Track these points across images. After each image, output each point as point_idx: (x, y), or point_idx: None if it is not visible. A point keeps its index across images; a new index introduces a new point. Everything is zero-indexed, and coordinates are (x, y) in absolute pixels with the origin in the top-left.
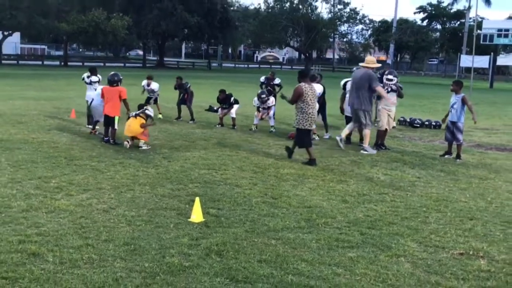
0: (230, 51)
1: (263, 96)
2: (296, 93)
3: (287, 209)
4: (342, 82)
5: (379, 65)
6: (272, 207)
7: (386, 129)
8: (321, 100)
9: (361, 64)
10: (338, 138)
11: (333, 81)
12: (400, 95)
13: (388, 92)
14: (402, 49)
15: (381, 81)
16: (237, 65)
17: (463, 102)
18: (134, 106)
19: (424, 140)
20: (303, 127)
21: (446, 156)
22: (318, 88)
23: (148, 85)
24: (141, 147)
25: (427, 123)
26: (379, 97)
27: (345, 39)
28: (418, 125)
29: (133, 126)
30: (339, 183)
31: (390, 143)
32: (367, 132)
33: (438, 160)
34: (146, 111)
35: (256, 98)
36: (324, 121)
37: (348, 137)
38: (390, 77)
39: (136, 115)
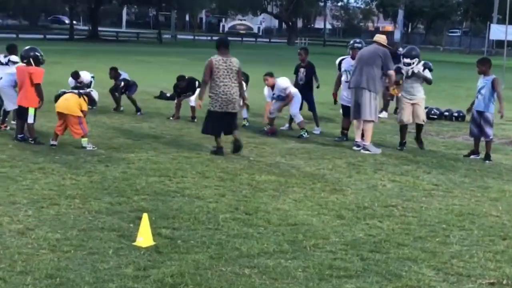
0: (187, 18)
1: None
2: (205, 68)
3: (265, 228)
4: (338, 60)
5: (394, 45)
6: (245, 225)
7: (406, 124)
8: (306, 85)
9: (374, 39)
10: (356, 148)
11: (324, 58)
12: (427, 81)
13: (408, 78)
14: (415, 16)
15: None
16: (197, 37)
17: (493, 86)
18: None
19: (443, 135)
20: (212, 108)
21: (472, 157)
22: (282, 83)
23: (76, 79)
24: (84, 147)
25: (446, 113)
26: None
27: (339, 3)
28: (436, 116)
29: (71, 101)
30: (332, 193)
31: (397, 139)
32: (368, 124)
33: (462, 162)
34: (92, 93)
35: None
36: (313, 111)
37: (345, 132)
38: (407, 60)
39: (79, 94)
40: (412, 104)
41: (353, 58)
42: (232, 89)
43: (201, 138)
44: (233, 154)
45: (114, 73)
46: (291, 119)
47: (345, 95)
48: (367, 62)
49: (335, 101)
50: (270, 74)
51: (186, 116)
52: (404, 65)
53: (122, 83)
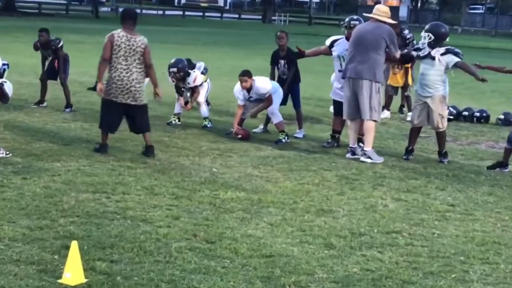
0: None
1: (173, 69)
2: (104, 43)
3: (232, 261)
4: (329, 41)
5: (395, 22)
6: (206, 257)
7: (419, 127)
8: (289, 77)
9: (371, 15)
10: (350, 156)
11: (310, 40)
12: (456, 65)
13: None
14: None
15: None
16: (144, 11)
17: None
18: None
19: (461, 141)
20: (105, 96)
21: (498, 170)
22: (263, 86)
23: None
24: None
25: (466, 113)
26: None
27: None
28: (452, 117)
29: None
30: (319, 215)
31: (402, 145)
32: (370, 125)
33: (485, 176)
34: (4, 86)
35: (169, 77)
36: (297, 110)
37: (337, 136)
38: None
39: None
40: (426, 104)
41: (348, 39)
42: (131, 75)
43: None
44: (185, 165)
45: (45, 36)
46: (267, 119)
47: (337, 87)
48: (368, 44)
49: (300, 52)
50: (249, 74)
51: None
52: (422, 38)
53: (60, 46)
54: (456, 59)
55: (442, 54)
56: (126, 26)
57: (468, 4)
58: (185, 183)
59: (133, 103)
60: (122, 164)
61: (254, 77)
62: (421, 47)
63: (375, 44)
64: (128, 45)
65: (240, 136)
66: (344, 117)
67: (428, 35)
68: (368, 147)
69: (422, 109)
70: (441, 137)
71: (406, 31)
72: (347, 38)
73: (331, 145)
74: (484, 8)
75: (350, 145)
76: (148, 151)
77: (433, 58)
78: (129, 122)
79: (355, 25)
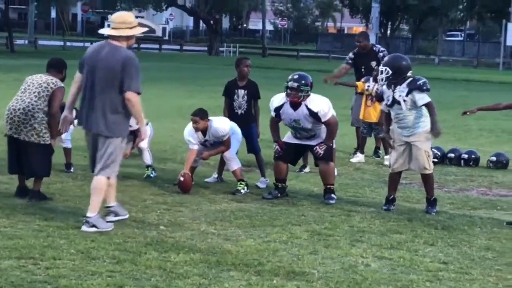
0: (53, 15)
1: None
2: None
3: None
4: (273, 106)
5: (144, 29)
6: None
7: (399, 172)
8: (247, 114)
9: (106, 31)
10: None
11: (265, 74)
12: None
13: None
14: (395, 12)
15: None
16: (69, 44)
17: None
18: None
19: (448, 188)
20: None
21: None
22: (221, 127)
23: None
24: None
25: (451, 155)
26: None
27: None
28: (436, 160)
29: None
30: (290, 279)
31: (381, 193)
32: (100, 183)
33: (480, 228)
34: None
35: None
36: (256, 154)
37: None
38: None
39: None
40: (407, 144)
41: (292, 104)
42: (21, 104)
43: (84, 196)
44: (127, 223)
45: None
46: (221, 166)
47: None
48: (101, 78)
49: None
50: (202, 114)
51: (58, 166)
52: (380, 74)
53: None
54: (425, 100)
55: (406, 95)
56: (51, 71)
57: (445, 31)
58: (127, 244)
59: (18, 137)
60: (51, 223)
61: (211, 117)
62: (380, 84)
63: (108, 77)
64: (30, 81)
65: (182, 180)
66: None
67: (386, 70)
68: (93, 212)
69: (403, 150)
70: (429, 181)
71: (378, 46)
72: (291, 102)
73: (273, 195)
74: (463, 35)
75: None
76: (33, 196)
77: (399, 103)
78: (22, 161)
79: (293, 87)
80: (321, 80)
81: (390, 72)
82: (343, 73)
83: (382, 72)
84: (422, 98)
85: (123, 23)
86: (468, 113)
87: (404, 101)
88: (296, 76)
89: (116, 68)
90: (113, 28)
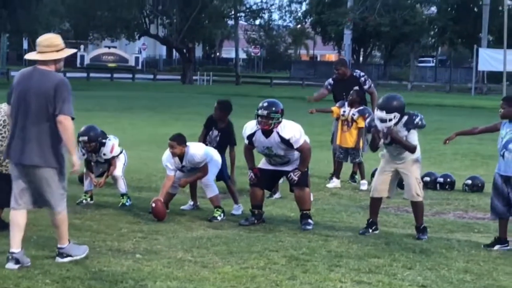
0: (26, 45)
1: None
2: None
3: None
4: (246, 138)
5: (72, 51)
6: None
7: (379, 198)
8: (217, 147)
9: (32, 56)
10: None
11: (239, 101)
12: (407, 149)
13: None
14: (368, 39)
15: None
16: None
17: None
18: None
19: (425, 212)
20: None
21: (498, 247)
22: (197, 154)
23: None
24: None
25: (427, 179)
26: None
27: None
28: None
29: None
30: None
31: (358, 218)
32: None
33: (457, 251)
34: None
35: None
36: (226, 182)
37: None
38: (381, 114)
39: None
40: (396, 171)
41: (263, 131)
42: None
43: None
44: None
45: None
46: (192, 190)
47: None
48: (32, 104)
49: (255, 175)
50: (179, 140)
51: None
52: (379, 121)
53: None
54: (413, 143)
55: (408, 131)
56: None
57: (416, 57)
58: (103, 273)
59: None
60: (25, 253)
61: (188, 143)
62: (386, 132)
63: (41, 104)
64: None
65: (154, 206)
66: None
67: (395, 116)
68: (64, 242)
69: (389, 178)
70: (419, 208)
71: (358, 71)
72: (262, 130)
73: (250, 222)
74: (435, 61)
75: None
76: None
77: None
78: None
79: (263, 115)
80: (295, 107)
81: (399, 115)
82: (323, 96)
83: (390, 120)
84: (414, 137)
85: (49, 46)
86: (448, 141)
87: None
88: (265, 104)
89: (49, 94)
90: (39, 52)
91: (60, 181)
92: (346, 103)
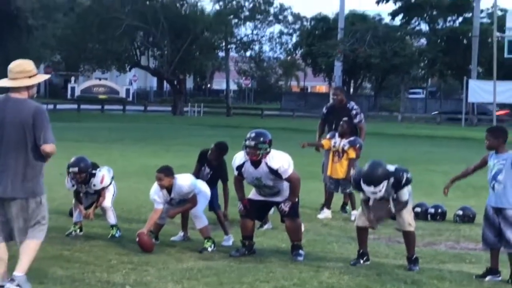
0: None
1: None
2: None
3: None
4: (235, 163)
5: (45, 77)
6: None
7: (364, 228)
8: (211, 176)
9: (4, 82)
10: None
11: (231, 133)
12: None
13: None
14: (358, 71)
15: None
16: None
17: None
18: None
19: (416, 242)
20: None
21: (489, 278)
22: (185, 185)
23: None
24: None
25: (418, 210)
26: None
27: (249, 53)
28: None
29: None
30: None
31: (349, 249)
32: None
33: (449, 282)
34: None
35: (68, 178)
36: (216, 212)
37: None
38: (369, 189)
39: None
40: (381, 201)
41: (252, 162)
42: None
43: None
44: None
45: None
46: (183, 220)
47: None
48: (12, 135)
49: (244, 207)
50: (167, 172)
51: None
52: (368, 193)
53: None
54: (405, 198)
55: (396, 192)
56: None
57: (407, 88)
58: None
59: None
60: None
61: (176, 175)
62: (378, 198)
63: (19, 134)
64: None
65: (138, 240)
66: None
67: (383, 185)
68: (22, 271)
69: (375, 206)
70: (411, 238)
71: (352, 103)
72: (251, 161)
73: (240, 253)
74: (425, 92)
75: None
76: None
77: (388, 200)
78: None
79: (250, 146)
80: (286, 138)
81: (386, 182)
82: (321, 133)
83: (379, 191)
84: (404, 194)
85: (22, 73)
86: (446, 190)
87: (393, 199)
88: (253, 135)
89: (27, 123)
90: (11, 79)
91: (40, 211)
92: (336, 134)
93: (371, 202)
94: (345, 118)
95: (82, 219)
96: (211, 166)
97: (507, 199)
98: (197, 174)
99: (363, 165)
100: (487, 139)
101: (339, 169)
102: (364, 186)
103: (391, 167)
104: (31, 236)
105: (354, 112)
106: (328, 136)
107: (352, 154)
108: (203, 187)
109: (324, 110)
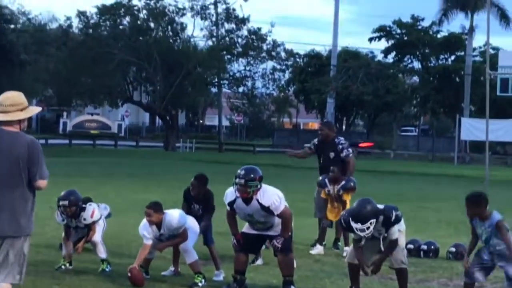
0: None
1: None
2: None
3: None
4: (227, 199)
5: (37, 109)
6: None
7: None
8: (202, 210)
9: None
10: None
11: (222, 169)
12: (391, 246)
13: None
14: (350, 108)
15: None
16: None
17: (499, 231)
18: None
19: (408, 279)
20: None
21: None
22: (175, 220)
23: None
24: None
25: (411, 246)
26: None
27: (241, 89)
28: None
29: None
30: None
31: (341, 285)
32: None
33: None
34: None
35: (58, 212)
36: (209, 246)
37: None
38: (358, 226)
39: None
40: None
41: (243, 198)
42: None
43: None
44: None
45: None
46: (175, 256)
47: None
48: (7, 169)
49: (237, 241)
50: (156, 207)
51: None
52: (357, 231)
53: None
54: (395, 236)
55: (387, 230)
56: None
57: (399, 126)
58: None
59: None
60: None
61: (166, 210)
62: (369, 237)
63: (14, 168)
64: None
65: (130, 275)
66: None
67: (372, 223)
68: None
69: (367, 245)
70: (404, 276)
71: (341, 138)
72: (242, 197)
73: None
74: (417, 130)
75: None
76: None
77: (378, 239)
78: None
79: (240, 184)
80: (278, 174)
81: (375, 220)
82: (304, 155)
83: (367, 228)
84: (394, 232)
85: (13, 105)
86: (467, 264)
87: (383, 238)
88: (243, 172)
89: (22, 157)
90: (2, 112)
91: (27, 248)
92: (326, 180)
93: (362, 242)
94: (331, 153)
95: (72, 252)
96: (199, 201)
97: (507, 258)
98: (188, 212)
99: (353, 204)
100: (468, 207)
101: (338, 213)
102: (352, 224)
103: (380, 206)
104: (18, 277)
105: (340, 147)
106: (318, 185)
107: (347, 197)
108: (192, 223)
109: (315, 141)
